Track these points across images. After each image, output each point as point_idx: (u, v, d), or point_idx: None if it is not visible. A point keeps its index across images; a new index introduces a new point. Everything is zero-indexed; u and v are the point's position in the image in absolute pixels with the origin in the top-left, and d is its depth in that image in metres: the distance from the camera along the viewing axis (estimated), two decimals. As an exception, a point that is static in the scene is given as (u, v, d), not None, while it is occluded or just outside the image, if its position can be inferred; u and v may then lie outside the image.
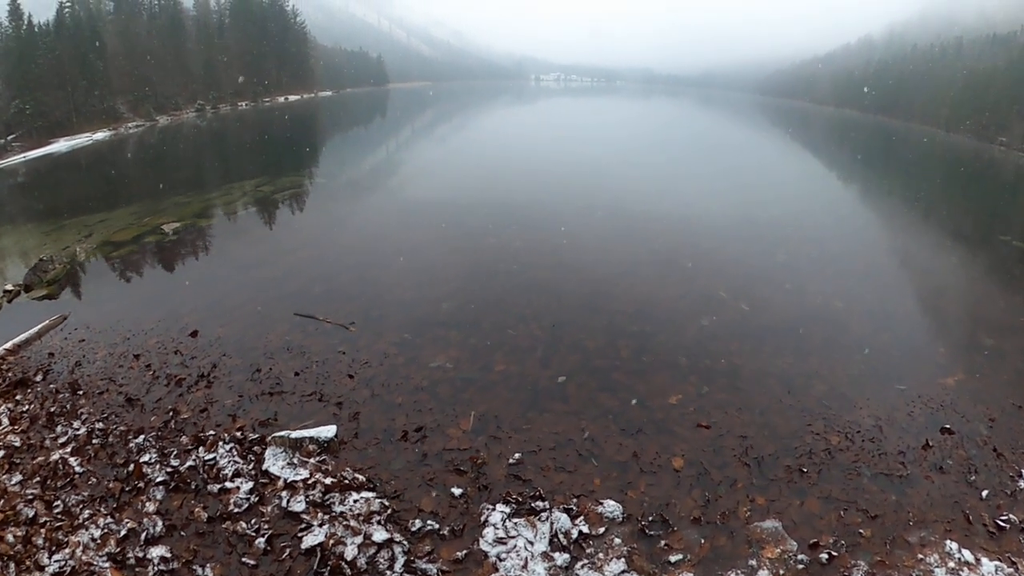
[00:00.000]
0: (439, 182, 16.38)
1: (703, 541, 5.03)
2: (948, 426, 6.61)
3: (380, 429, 6.21)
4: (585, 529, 5.17)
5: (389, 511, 5.31)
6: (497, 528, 5.14)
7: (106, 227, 12.03)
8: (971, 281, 11.70)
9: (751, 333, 8.30)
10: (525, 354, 7.65)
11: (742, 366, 7.47)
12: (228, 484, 5.58)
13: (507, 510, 5.39)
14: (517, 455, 5.93)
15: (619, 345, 7.94)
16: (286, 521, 5.15)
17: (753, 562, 4.86)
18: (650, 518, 5.24)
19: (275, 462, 5.85)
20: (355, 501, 5.41)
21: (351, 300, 9.12)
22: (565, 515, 5.30)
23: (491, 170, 15.77)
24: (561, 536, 5.08)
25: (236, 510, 5.28)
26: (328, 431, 6.07)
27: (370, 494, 5.50)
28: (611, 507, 5.42)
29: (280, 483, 5.59)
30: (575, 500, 5.50)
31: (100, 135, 18.08)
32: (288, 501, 5.39)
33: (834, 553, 4.91)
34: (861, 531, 5.24)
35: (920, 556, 5.03)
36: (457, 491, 5.53)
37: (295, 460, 5.88)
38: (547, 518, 5.27)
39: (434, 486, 5.61)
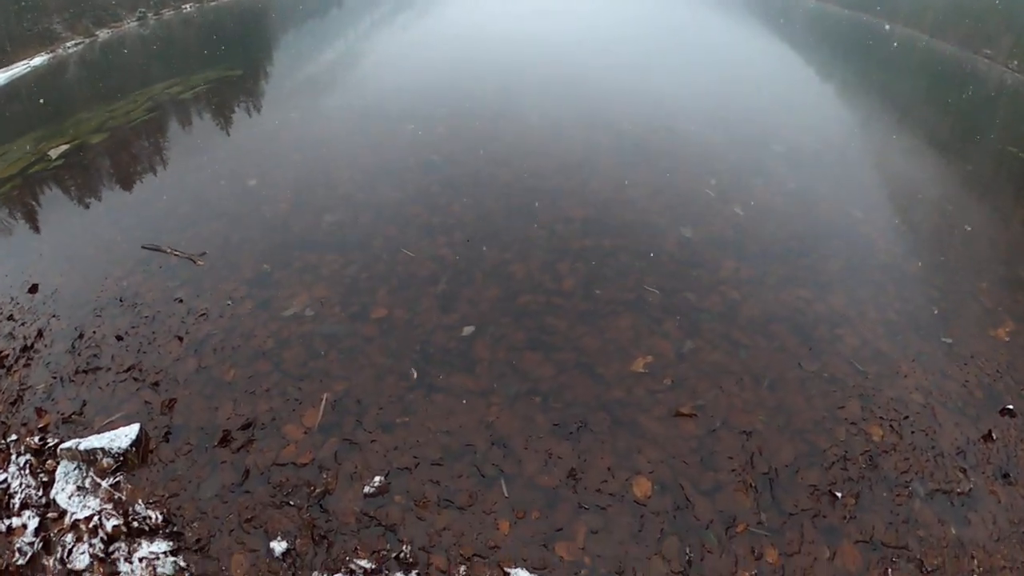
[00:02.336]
0: (371, 66, 13.04)
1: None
2: (1010, 406, 4.50)
3: (196, 427, 3.94)
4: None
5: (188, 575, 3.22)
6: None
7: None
8: (993, 195, 9.30)
9: (749, 250, 5.78)
10: (420, 289, 5.07)
11: (740, 304, 5.04)
12: (15, 520, 3.58)
13: None
14: (379, 478, 3.58)
15: (560, 271, 5.28)
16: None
17: None
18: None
19: (65, 485, 3.68)
20: (141, 558, 3.31)
21: (218, 218, 6.25)
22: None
23: (440, 59, 12.43)
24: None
25: (20, 560, 3.37)
26: (128, 435, 3.74)
27: (165, 545, 3.37)
28: None
29: (67, 520, 3.53)
30: (463, 568, 3.23)
31: (38, 60, 14.74)
32: (71, 552, 3.36)
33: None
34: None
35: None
36: (279, 547, 3.30)
37: (86, 482, 3.67)
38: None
39: (252, 532, 3.40)
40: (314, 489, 3.55)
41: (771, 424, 4.00)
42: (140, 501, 3.57)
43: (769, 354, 4.55)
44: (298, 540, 3.35)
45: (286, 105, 9.88)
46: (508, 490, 3.51)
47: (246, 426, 3.90)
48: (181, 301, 5.01)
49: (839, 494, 3.67)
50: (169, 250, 5.62)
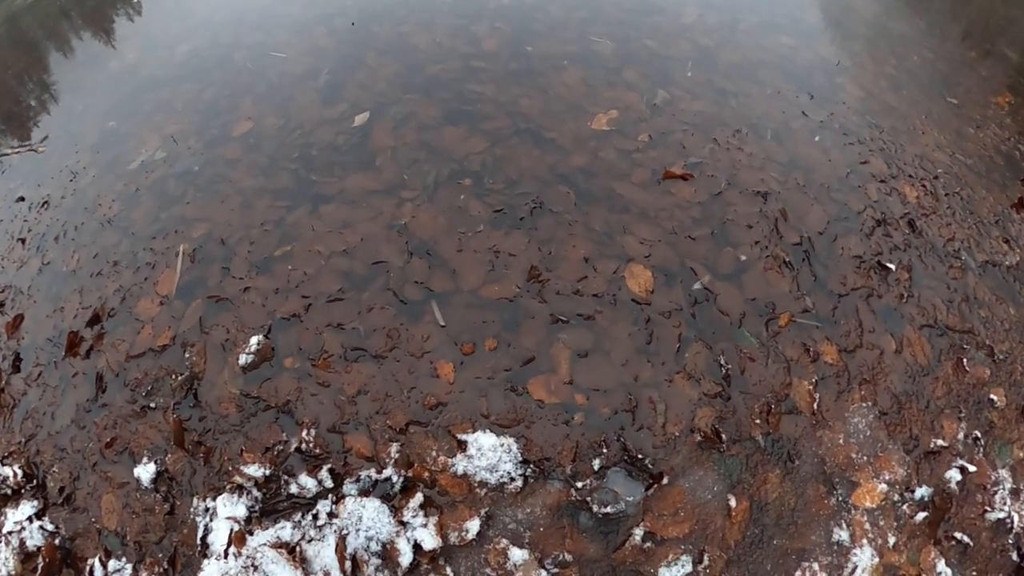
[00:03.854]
0: None
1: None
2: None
3: (45, 336, 2.69)
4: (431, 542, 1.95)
5: (59, 540, 2.22)
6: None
7: None
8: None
9: None
10: (295, 88, 3.50)
11: (715, 50, 3.66)
12: None
13: (238, 510, 2.07)
14: (257, 339, 2.29)
15: (477, 33, 3.75)
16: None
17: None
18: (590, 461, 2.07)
19: None
20: (9, 533, 2.28)
21: (63, 94, 4.40)
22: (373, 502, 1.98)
23: None
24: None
25: None
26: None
27: (30, 508, 2.31)
28: (487, 446, 2.06)
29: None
30: (396, 447, 2.08)
31: None
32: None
33: None
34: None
35: None
36: (146, 473, 2.17)
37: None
38: (330, 520, 2.02)
39: (117, 460, 2.25)
40: (177, 377, 2.29)
41: (788, 182, 2.88)
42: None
43: (765, 102, 3.36)
44: (168, 456, 2.19)
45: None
46: (443, 316, 2.28)
47: (94, 319, 2.58)
48: (22, 199, 3.48)
49: (891, 266, 2.65)
50: (10, 150, 4.08)
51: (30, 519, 2.26)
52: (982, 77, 4.72)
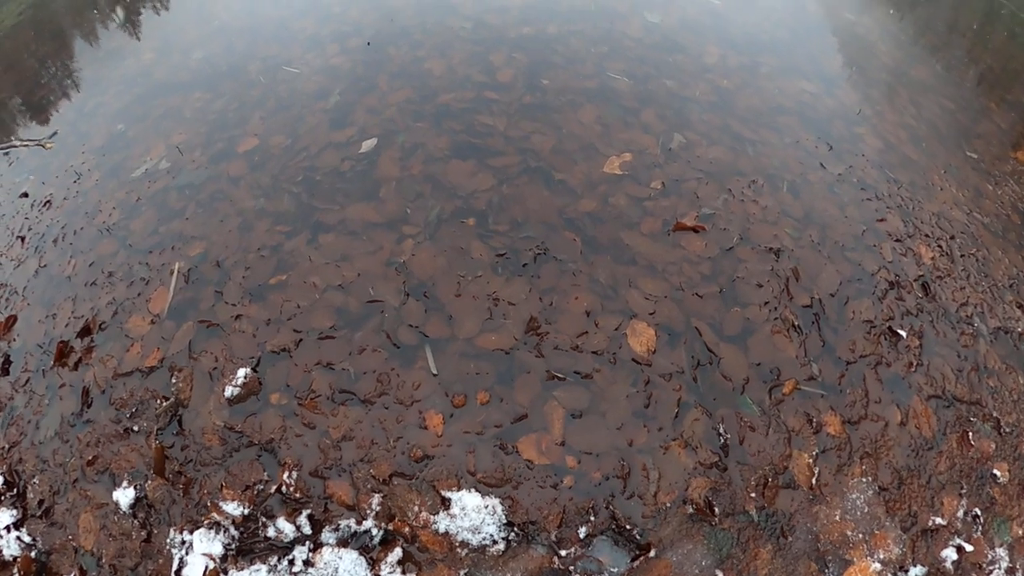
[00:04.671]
0: None
1: None
2: None
3: (34, 345, 2.64)
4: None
5: (35, 553, 2.15)
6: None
7: None
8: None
9: (734, 38, 4.26)
10: (305, 107, 3.40)
11: (735, 93, 3.65)
12: None
13: (215, 547, 2.00)
14: (244, 372, 2.22)
15: (494, 63, 3.72)
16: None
17: None
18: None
19: None
20: None
21: (77, 89, 4.42)
22: (351, 553, 1.90)
23: None
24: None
25: None
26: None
27: (8, 516, 2.26)
28: (472, 506, 1.99)
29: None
30: (378, 498, 2.00)
31: None
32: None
33: None
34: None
35: None
36: (126, 497, 2.12)
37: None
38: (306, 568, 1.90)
39: (97, 480, 2.20)
40: (163, 402, 2.24)
41: (802, 239, 2.81)
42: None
43: (783, 150, 3.29)
44: (148, 483, 2.13)
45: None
46: (437, 364, 2.21)
47: (85, 331, 2.53)
48: (26, 195, 3.51)
49: (902, 332, 2.57)
50: (19, 143, 4.05)
51: (8, 528, 2.20)
52: (1000, 128, 4.65)
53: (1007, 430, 2.45)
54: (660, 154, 3.06)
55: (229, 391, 2.22)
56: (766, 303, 2.50)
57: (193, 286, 2.58)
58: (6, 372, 2.57)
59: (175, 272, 2.63)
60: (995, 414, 2.48)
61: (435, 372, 2.18)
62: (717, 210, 2.80)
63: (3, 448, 2.35)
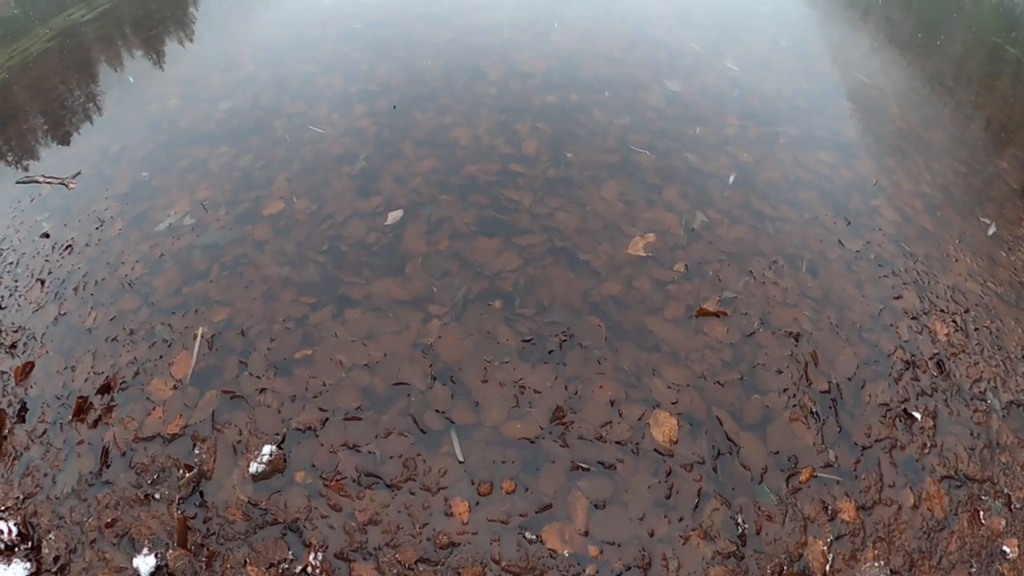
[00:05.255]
0: None
1: None
2: None
3: (52, 396, 2.64)
4: None
5: None
6: None
7: None
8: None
9: (753, 107, 4.50)
10: (331, 171, 3.55)
11: (755, 167, 3.77)
12: None
13: None
14: (270, 448, 2.27)
15: (519, 133, 3.84)
16: None
17: None
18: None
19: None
20: None
21: (102, 129, 4.48)
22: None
23: None
24: None
25: None
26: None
27: (22, 569, 2.26)
28: None
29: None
30: None
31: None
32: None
33: None
34: None
35: None
36: (146, 565, 2.12)
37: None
38: None
39: (116, 543, 2.20)
40: (186, 473, 2.28)
41: (821, 321, 2.86)
42: (-2, 503, 2.33)
43: (802, 228, 3.36)
44: (170, 552, 2.14)
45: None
46: (463, 451, 2.26)
47: (105, 388, 2.58)
48: (47, 236, 3.53)
49: (916, 414, 2.61)
50: (43, 179, 4.10)
51: (16, 588, 2.24)
52: (1012, 189, 4.67)
53: (1018, 506, 2.47)
54: (683, 234, 3.13)
55: (254, 467, 2.26)
56: (785, 389, 2.54)
57: (217, 353, 2.63)
58: (22, 419, 2.59)
59: (199, 337, 2.69)
60: (1006, 490, 2.50)
61: (461, 459, 2.23)
62: (739, 293, 2.86)
63: (18, 498, 2.37)
